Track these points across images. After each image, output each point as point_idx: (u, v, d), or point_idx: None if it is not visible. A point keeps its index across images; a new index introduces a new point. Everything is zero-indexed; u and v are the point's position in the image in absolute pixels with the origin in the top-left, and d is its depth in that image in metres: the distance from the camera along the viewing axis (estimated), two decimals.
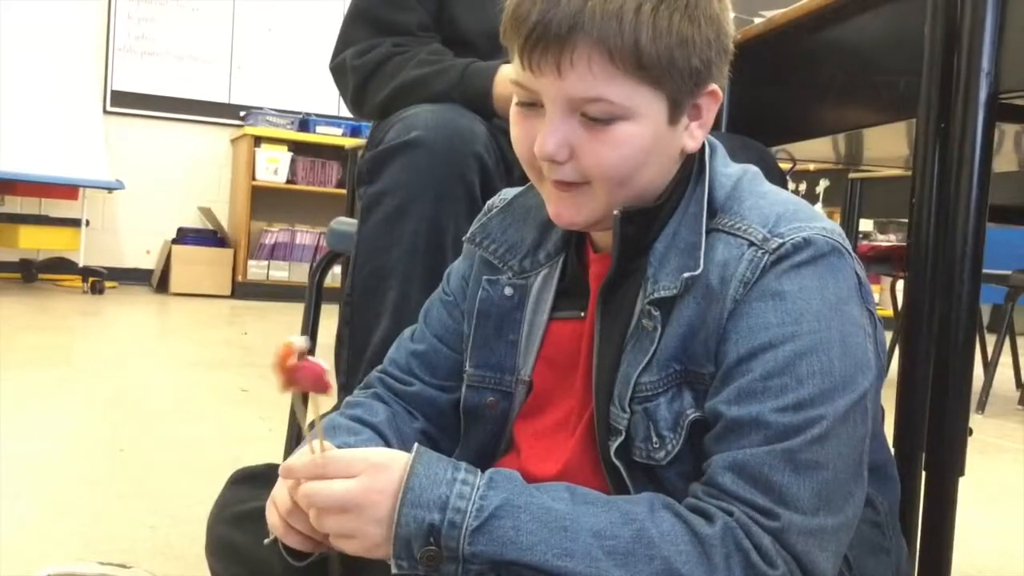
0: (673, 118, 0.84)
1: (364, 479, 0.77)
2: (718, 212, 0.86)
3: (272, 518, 0.84)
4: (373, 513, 0.76)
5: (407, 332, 1.09)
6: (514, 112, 0.88)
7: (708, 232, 0.85)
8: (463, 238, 1.06)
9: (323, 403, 0.83)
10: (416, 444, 0.80)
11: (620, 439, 0.85)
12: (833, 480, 0.78)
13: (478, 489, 0.76)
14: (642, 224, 0.88)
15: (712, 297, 0.82)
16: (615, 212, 0.86)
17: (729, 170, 0.90)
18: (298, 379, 0.78)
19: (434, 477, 0.77)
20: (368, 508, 0.76)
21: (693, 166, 0.90)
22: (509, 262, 0.99)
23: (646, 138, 0.83)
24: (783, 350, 0.79)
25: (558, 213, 0.88)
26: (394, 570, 0.76)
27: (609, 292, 0.90)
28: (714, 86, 0.86)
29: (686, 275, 0.83)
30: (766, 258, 0.81)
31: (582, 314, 0.94)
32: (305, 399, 0.82)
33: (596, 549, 0.74)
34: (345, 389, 1.48)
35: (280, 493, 0.83)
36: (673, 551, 0.74)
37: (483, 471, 0.80)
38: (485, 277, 1.00)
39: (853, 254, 0.86)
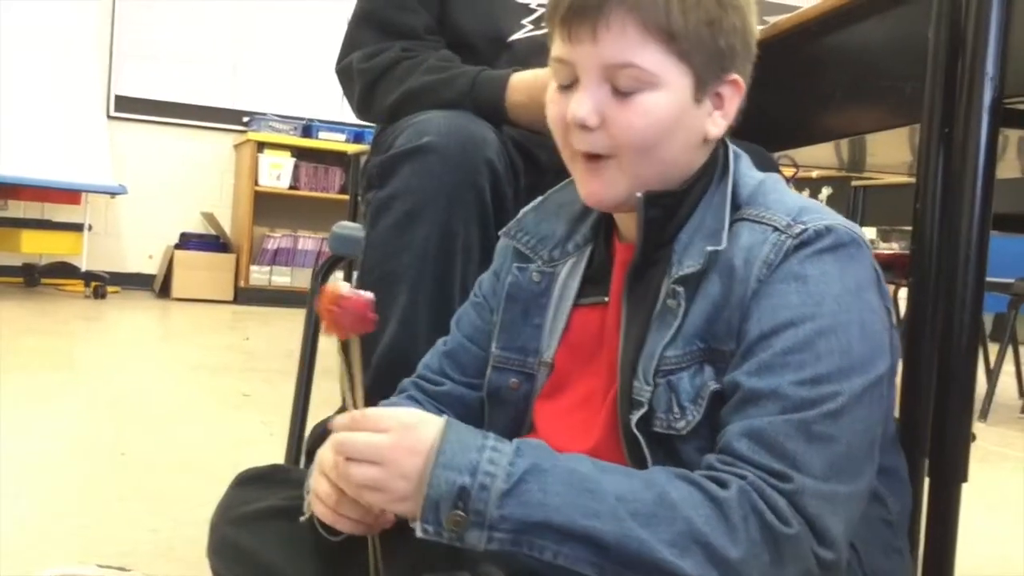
0: (698, 95, 0.89)
1: (394, 435, 0.80)
2: (743, 205, 0.90)
3: (318, 508, 0.87)
4: (400, 468, 0.78)
5: (440, 340, 1.13)
6: (551, 94, 0.93)
7: (734, 222, 0.89)
8: (499, 231, 1.11)
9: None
10: (446, 416, 0.83)
11: (642, 411, 0.88)
12: (845, 455, 0.80)
13: (507, 456, 0.78)
14: (666, 209, 0.92)
15: (736, 277, 0.86)
16: (638, 195, 0.90)
17: (753, 172, 0.95)
18: (342, 317, 0.82)
19: (466, 443, 0.79)
20: (395, 463, 0.79)
21: (718, 164, 0.94)
22: (540, 252, 1.04)
23: (672, 109, 0.88)
24: (804, 328, 0.82)
25: (589, 191, 0.93)
26: (419, 533, 0.78)
27: (635, 278, 0.94)
28: (736, 76, 0.91)
29: (709, 248, 0.87)
30: (789, 242, 0.85)
31: (605, 299, 0.97)
32: (347, 353, 0.86)
33: (621, 510, 0.76)
34: None
35: (322, 486, 0.86)
36: (694, 513, 0.76)
37: None
38: (516, 264, 1.05)
39: (870, 252, 0.89)
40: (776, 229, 0.86)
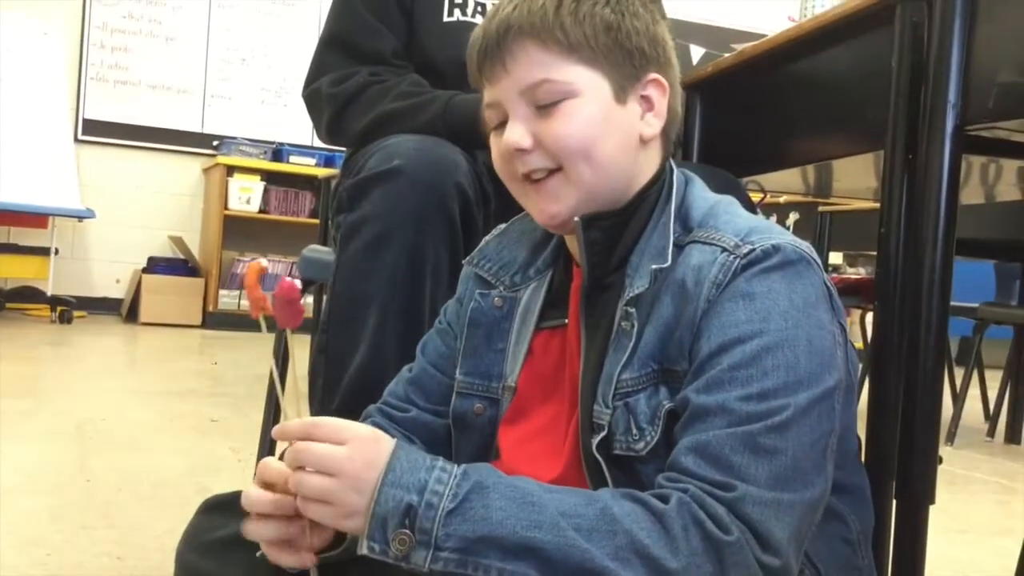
0: (619, 97, 0.93)
1: (351, 447, 0.80)
2: (695, 228, 0.92)
3: (271, 553, 0.86)
4: (354, 481, 0.78)
5: (406, 367, 1.13)
6: (492, 139, 0.97)
7: (685, 244, 0.91)
8: (463, 260, 1.12)
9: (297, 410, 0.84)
10: (396, 438, 0.83)
11: (602, 434, 0.89)
12: (791, 467, 0.80)
13: (455, 477, 0.79)
14: (607, 231, 0.94)
15: (687, 298, 0.87)
16: (576, 218, 0.93)
17: (707, 194, 0.97)
18: (275, 308, 0.84)
19: (415, 463, 0.79)
20: (350, 475, 0.78)
21: (663, 186, 0.97)
22: (501, 278, 1.06)
23: (595, 110, 0.93)
24: (751, 344, 0.83)
25: (541, 210, 0.95)
26: (364, 551, 0.78)
27: (590, 302, 0.95)
28: (657, 75, 0.95)
29: (654, 267, 0.89)
30: (737, 262, 0.86)
31: (565, 321, 0.99)
32: (277, 331, 0.86)
33: (563, 523, 0.77)
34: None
35: (257, 530, 0.86)
36: (635, 527, 0.76)
37: None
38: (478, 291, 1.06)
39: (822, 269, 0.90)
40: (725, 250, 0.88)
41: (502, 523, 0.76)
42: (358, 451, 0.79)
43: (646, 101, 0.96)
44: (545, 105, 0.92)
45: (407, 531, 0.76)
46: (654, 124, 0.96)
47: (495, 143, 0.97)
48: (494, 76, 0.94)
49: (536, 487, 0.80)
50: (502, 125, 0.95)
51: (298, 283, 0.85)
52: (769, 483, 0.79)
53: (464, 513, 0.77)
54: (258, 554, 0.88)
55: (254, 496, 0.86)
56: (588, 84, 0.92)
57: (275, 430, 0.84)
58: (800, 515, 0.81)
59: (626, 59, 0.94)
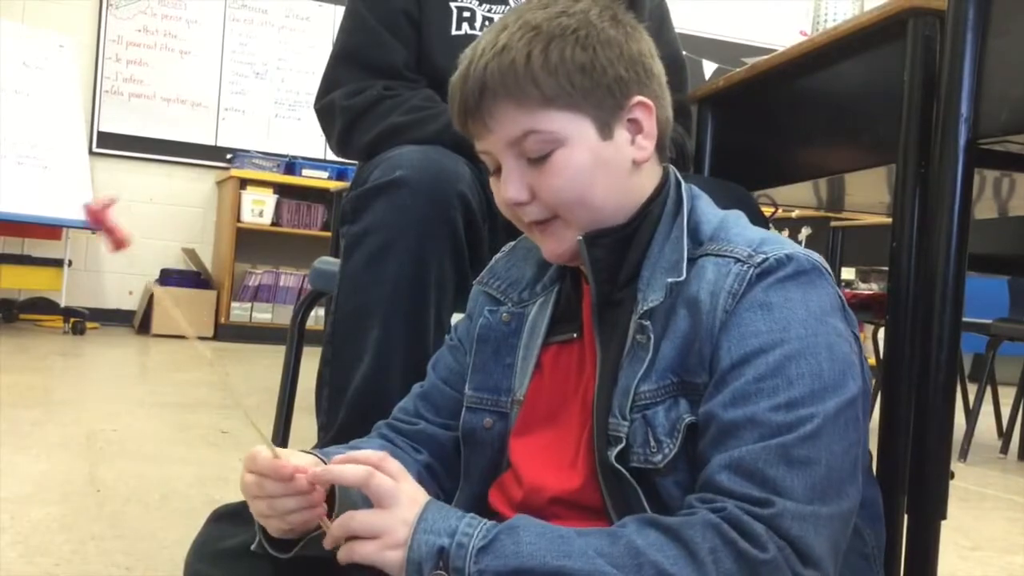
0: (604, 133, 0.93)
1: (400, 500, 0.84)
2: (706, 242, 0.93)
3: (270, 524, 0.89)
4: (406, 512, 0.83)
5: (417, 384, 1.14)
6: (492, 182, 0.99)
7: (698, 258, 0.91)
8: (473, 281, 1.14)
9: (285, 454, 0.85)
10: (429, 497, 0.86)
11: (620, 447, 0.89)
12: (826, 476, 0.81)
13: (484, 524, 0.82)
14: (609, 248, 0.95)
15: (703, 310, 0.87)
16: (578, 238, 0.94)
17: (715, 210, 0.97)
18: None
19: (445, 513, 0.83)
20: (404, 505, 0.83)
21: (667, 199, 0.97)
22: (510, 295, 1.07)
23: (584, 158, 0.92)
24: (773, 354, 0.83)
25: (548, 250, 0.98)
26: None
27: (602, 318, 0.96)
28: (639, 97, 0.94)
29: (670, 280, 0.90)
30: (751, 272, 0.87)
31: (575, 335, 1.00)
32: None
33: (591, 553, 0.78)
34: (324, 429, 1.47)
35: (257, 507, 0.89)
36: (660, 556, 0.77)
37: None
38: (487, 308, 1.08)
39: (834, 279, 0.91)
40: (739, 260, 0.88)
41: (532, 555, 0.78)
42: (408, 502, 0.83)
43: (634, 125, 0.95)
44: (535, 157, 0.93)
45: (442, 572, 0.79)
46: (645, 146, 0.96)
47: (495, 189, 0.98)
48: (479, 133, 0.95)
49: (565, 528, 0.81)
50: (499, 170, 0.96)
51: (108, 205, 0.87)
52: (806, 496, 0.79)
53: (495, 551, 0.79)
54: (253, 547, 0.91)
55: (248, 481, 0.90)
56: (573, 130, 0.92)
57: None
58: (837, 528, 0.82)
59: (606, 95, 0.93)
